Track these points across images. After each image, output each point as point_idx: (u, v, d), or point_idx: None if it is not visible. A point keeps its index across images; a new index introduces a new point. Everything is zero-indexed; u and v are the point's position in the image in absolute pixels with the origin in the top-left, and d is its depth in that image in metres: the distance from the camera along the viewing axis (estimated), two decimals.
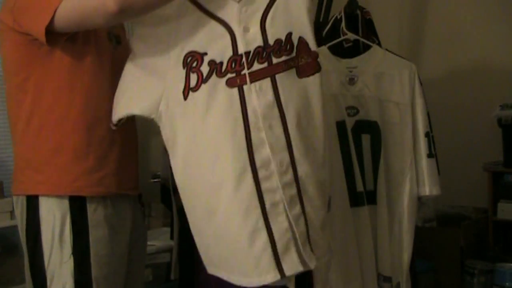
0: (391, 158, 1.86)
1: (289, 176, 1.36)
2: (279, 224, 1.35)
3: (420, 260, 2.31)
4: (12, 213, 2.66)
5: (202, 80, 1.38)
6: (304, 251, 1.36)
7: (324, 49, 1.90)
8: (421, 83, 1.91)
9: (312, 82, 1.41)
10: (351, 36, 1.97)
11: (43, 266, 1.47)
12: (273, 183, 1.35)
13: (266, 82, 1.38)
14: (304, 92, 1.41)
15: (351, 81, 1.87)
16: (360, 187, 1.82)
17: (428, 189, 1.86)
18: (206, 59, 1.39)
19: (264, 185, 1.34)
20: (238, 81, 1.37)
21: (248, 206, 1.34)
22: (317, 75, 1.42)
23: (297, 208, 1.36)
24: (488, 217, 2.99)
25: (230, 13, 1.40)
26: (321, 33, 2.12)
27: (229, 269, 1.40)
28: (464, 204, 3.10)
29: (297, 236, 1.35)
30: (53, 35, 1.40)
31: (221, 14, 1.41)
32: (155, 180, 1.73)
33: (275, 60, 1.39)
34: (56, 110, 1.46)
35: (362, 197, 1.82)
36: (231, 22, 1.40)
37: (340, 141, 1.80)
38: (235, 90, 1.37)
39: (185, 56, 1.41)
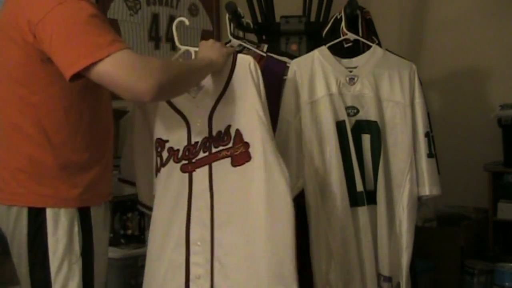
0: (391, 158, 1.86)
1: (207, 255, 1.58)
2: None
3: (420, 260, 2.31)
4: None
5: (161, 164, 1.64)
6: None
7: (324, 49, 1.89)
8: (421, 83, 1.91)
9: (248, 170, 1.55)
10: (351, 36, 1.97)
11: (48, 271, 1.48)
12: (198, 258, 1.59)
13: (205, 170, 1.60)
14: (239, 179, 1.57)
15: (351, 81, 1.87)
16: (360, 187, 1.81)
17: (428, 189, 1.86)
18: (167, 146, 1.64)
19: (192, 259, 1.59)
20: (189, 167, 1.61)
21: (178, 273, 1.60)
22: (249, 163, 1.56)
23: (207, 285, 1.57)
24: (488, 217, 2.99)
25: (188, 107, 1.63)
26: (321, 33, 2.11)
27: None
28: (464, 204, 3.10)
29: None
30: (77, 74, 1.34)
31: (181, 108, 1.63)
32: None
33: (213, 150, 1.60)
34: (66, 128, 1.47)
35: (362, 197, 1.81)
36: (188, 115, 1.63)
37: (340, 141, 1.80)
38: (186, 175, 1.61)
39: (155, 141, 1.66)
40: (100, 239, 1.56)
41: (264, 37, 2.32)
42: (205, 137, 1.60)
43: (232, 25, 1.97)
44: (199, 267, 1.58)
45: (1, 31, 1.45)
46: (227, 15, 1.96)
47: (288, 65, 1.90)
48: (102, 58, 1.30)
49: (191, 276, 1.59)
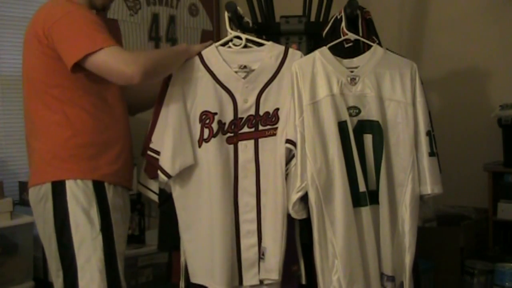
0: (393, 158, 1.86)
1: (253, 215, 1.83)
2: (246, 249, 1.83)
3: (420, 260, 2.31)
4: (12, 213, 2.65)
5: (212, 135, 1.82)
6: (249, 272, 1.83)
7: (324, 50, 1.89)
8: (422, 82, 1.91)
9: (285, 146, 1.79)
10: (351, 36, 1.96)
11: (72, 244, 1.70)
12: (247, 216, 1.83)
13: (251, 143, 1.84)
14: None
15: (353, 81, 1.86)
16: (362, 187, 1.81)
17: (429, 187, 1.86)
18: (216, 118, 1.82)
19: (241, 218, 1.83)
20: (234, 140, 1.84)
21: (228, 231, 1.81)
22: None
23: (253, 240, 1.83)
24: (488, 217, 2.99)
25: (236, 86, 1.84)
26: (321, 33, 2.11)
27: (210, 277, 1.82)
28: (464, 204, 3.10)
29: (242, 260, 1.83)
30: (78, 66, 1.67)
31: (229, 86, 1.84)
32: None
33: (260, 127, 1.84)
34: (84, 112, 1.76)
35: (364, 197, 1.81)
36: (235, 93, 1.84)
37: (342, 141, 1.80)
38: (231, 146, 1.83)
39: (201, 114, 1.82)
40: (119, 222, 1.78)
41: (264, 37, 2.31)
42: (251, 115, 1.84)
43: (231, 22, 1.97)
44: (249, 224, 1.83)
45: (26, 43, 1.79)
46: (226, 14, 1.96)
47: None
48: (96, 51, 1.63)
49: (242, 232, 1.83)
